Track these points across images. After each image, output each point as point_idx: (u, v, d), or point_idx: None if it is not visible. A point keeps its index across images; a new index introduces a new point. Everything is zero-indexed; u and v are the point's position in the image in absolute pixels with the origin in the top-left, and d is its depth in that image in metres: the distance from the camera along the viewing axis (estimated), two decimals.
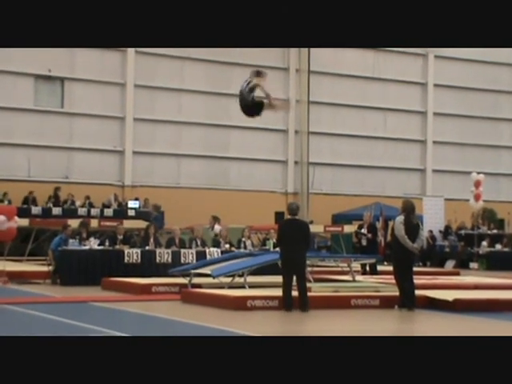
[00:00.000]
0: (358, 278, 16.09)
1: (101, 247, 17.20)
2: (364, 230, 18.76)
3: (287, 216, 12.76)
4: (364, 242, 18.61)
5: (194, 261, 16.65)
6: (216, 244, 18.25)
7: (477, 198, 27.29)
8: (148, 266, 16.62)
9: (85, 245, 16.94)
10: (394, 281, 13.32)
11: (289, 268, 12.19)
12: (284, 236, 12.30)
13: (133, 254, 16.73)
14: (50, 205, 25.97)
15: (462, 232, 29.05)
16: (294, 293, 12.09)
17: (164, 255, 16.96)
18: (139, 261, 16.68)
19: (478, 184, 27.28)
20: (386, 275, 15.35)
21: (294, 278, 12.11)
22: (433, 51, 33.66)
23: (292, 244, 12.08)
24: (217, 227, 20.75)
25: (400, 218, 12.61)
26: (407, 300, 12.41)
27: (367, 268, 18.10)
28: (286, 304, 12.00)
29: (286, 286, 12.07)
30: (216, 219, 22.29)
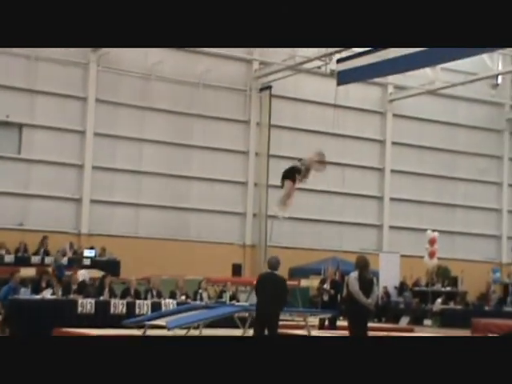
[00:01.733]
0: (314, 332, 16.02)
1: (53, 297, 16.90)
2: (326, 286, 18.73)
3: (266, 270, 12.65)
4: (325, 298, 18.57)
5: (149, 312, 16.45)
6: (172, 295, 18.08)
7: (431, 255, 27.55)
8: (102, 317, 16.36)
9: (38, 294, 16.64)
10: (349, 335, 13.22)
11: (261, 321, 12.08)
12: (260, 289, 12.25)
13: (86, 304, 16.47)
14: (2, 252, 25.50)
15: (417, 288, 29.27)
16: None
17: (118, 306, 16.73)
18: (93, 311, 16.41)
19: (432, 241, 27.57)
20: (344, 330, 15.28)
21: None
22: (391, 109, 34.30)
23: (267, 298, 12.01)
24: None
25: (354, 274, 12.65)
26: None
27: (326, 322, 18.07)
28: None
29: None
30: None
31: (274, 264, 12.50)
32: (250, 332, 15.20)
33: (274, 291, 12.09)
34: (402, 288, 28.99)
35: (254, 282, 12.70)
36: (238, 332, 14.65)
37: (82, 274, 16.79)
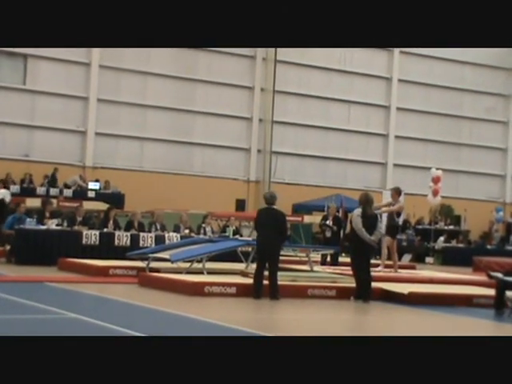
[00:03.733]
0: (316, 268, 16.13)
1: (59, 227, 17.00)
2: (329, 222, 18.80)
3: (263, 205, 12.76)
4: (328, 234, 18.65)
5: (153, 245, 16.56)
6: (176, 229, 18.17)
7: (435, 193, 27.51)
8: (106, 249, 16.48)
9: (44, 224, 16.73)
10: (351, 272, 13.39)
11: (263, 256, 12.23)
12: (259, 224, 12.37)
13: (91, 236, 16.58)
14: (7, 182, 25.58)
15: (420, 227, 29.39)
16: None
17: (123, 238, 16.83)
18: (97, 243, 16.53)
19: (436, 180, 27.49)
20: (346, 266, 15.41)
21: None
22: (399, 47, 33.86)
23: (267, 232, 12.11)
24: None
25: (357, 211, 12.73)
26: (363, 292, 12.49)
27: (328, 259, 18.17)
28: (256, 291, 11.96)
29: (258, 274, 12.07)
30: None
31: (269, 199, 12.56)
32: (253, 266, 15.37)
33: (273, 225, 12.15)
34: (405, 226, 29.09)
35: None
36: (241, 266, 14.77)
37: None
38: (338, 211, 19.07)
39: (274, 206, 12.60)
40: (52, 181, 26.30)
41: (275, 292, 12.01)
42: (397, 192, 15.68)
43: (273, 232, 12.12)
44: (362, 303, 12.36)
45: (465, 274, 18.48)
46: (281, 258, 19.08)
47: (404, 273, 16.90)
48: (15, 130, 27.53)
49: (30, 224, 16.61)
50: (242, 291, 12.16)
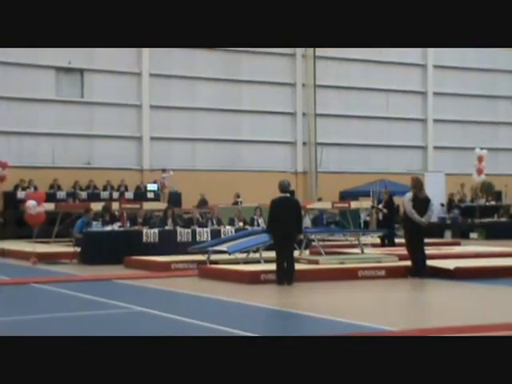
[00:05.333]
0: (367, 250, 16.07)
1: (122, 229, 17.28)
2: (381, 206, 18.96)
3: (279, 194, 12.46)
4: (380, 217, 18.80)
5: (209, 239, 16.68)
6: (231, 222, 18.30)
7: (479, 172, 27.30)
8: (166, 245, 16.67)
9: (111, 225, 17.04)
10: (399, 252, 13.33)
11: (281, 244, 12.01)
12: (276, 213, 12.01)
13: (151, 234, 16.80)
14: (75, 189, 26.16)
15: (463, 205, 29.02)
16: None
17: (184, 234, 17.01)
18: (157, 240, 16.73)
19: (480, 159, 27.30)
20: (402, 247, 15.25)
21: None
22: None
23: (284, 221, 11.84)
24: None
25: (409, 195, 12.76)
26: (419, 269, 12.50)
27: (386, 241, 18.28)
28: (281, 278, 11.86)
29: (280, 262, 11.93)
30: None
31: (286, 186, 12.32)
32: (306, 252, 15.40)
33: (289, 213, 11.90)
34: (450, 205, 28.76)
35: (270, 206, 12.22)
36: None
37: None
38: (390, 196, 19.06)
39: (288, 195, 12.42)
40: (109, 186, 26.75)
41: (291, 278, 11.83)
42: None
43: (290, 220, 11.85)
44: (418, 280, 12.33)
45: (508, 247, 18.20)
46: (333, 242, 19.27)
47: (448, 249, 16.74)
48: (76, 141, 28.05)
49: (96, 227, 16.93)
50: (297, 277, 12.13)
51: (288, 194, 12.44)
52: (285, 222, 11.87)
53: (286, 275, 11.85)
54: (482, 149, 27.85)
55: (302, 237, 14.43)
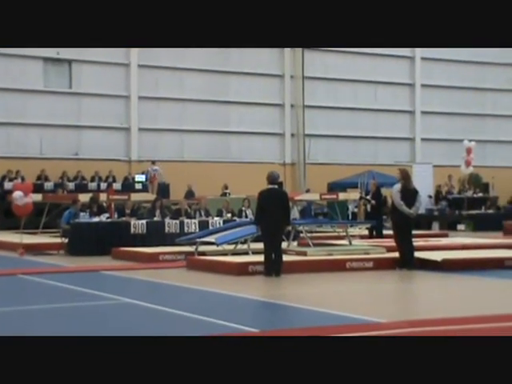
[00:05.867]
0: (355, 242, 16.05)
1: (109, 220, 17.17)
2: (369, 197, 18.91)
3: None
4: (368, 208, 18.76)
5: (197, 230, 16.61)
6: (219, 213, 18.23)
7: (468, 163, 27.37)
8: (154, 236, 16.58)
9: (99, 216, 16.93)
10: (387, 243, 13.29)
11: (269, 235, 11.93)
12: (264, 205, 11.92)
13: (139, 225, 16.69)
14: (63, 180, 25.98)
15: (450, 196, 29.09)
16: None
17: (172, 225, 16.91)
18: (145, 231, 16.64)
19: (469, 151, 27.36)
20: (390, 238, 15.24)
21: None
22: None
23: (272, 213, 11.76)
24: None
25: (397, 187, 12.74)
26: (407, 261, 12.50)
27: (374, 233, 18.26)
28: (268, 270, 11.79)
29: (268, 252, 11.86)
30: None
31: (276, 178, 12.26)
32: (294, 244, 15.35)
33: (277, 205, 11.83)
34: (438, 197, 28.81)
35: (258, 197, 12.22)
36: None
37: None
38: (378, 187, 18.99)
39: (276, 186, 12.33)
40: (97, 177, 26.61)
41: (280, 268, 11.79)
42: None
43: (278, 212, 11.78)
44: (406, 271, 12.32)
45: (495, 239, 18.24)
46: (321, 234, 19.23)
47: (436, 240, 16.74)
48: (65, 131, 27.85)
49: (84, 218, 16.81)
50: (284, 268, 12.06)
51: (276, 186, 12.36)
52: (272, 213, 11.77)
53: (274, 266, 11.80)
54: (470, 141, 27.92)
55: (290, 228, 14.38)
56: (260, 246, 14.16)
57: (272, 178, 12.20)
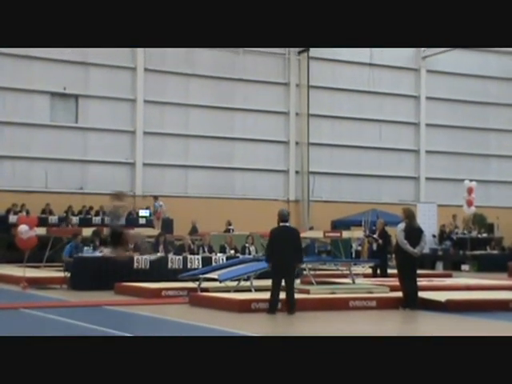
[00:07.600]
0: (359, 281, 15.99)
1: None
2: (376, 236, 18.82)
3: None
4: (374, 247, 18.65)
5: (200, 266, 16.57)
6: (222, 250, 18.21)
7: (469, 203, 27.26)
8: (157, 272, 16.54)
9: (101, 251, 16.91)
10: (391, 282, 13.22)
11: (279, 273, 11.89)
12: (276, 242, 11.95)
13: (142, 260, 16.67)
14: (68, 214, 26.02)
15: (454, 236, 29.00)
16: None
17: (175, 261, 16.90)
18: (148, 267, 16.61)
19: (470, 191, 27.29)
20: (394, 278, 15.18)
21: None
22: (425, 66, 33.71)
23: (283, 250, 11.77)
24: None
25: (401, 225, 12.71)
26: (410, 301, 12.45)
27: (378, 271, 18.14)
28: (272, 308, 11.76)
29: (275, 290, 11.83)
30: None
31: (285, 215, 12.23)
32: (297, 281, 15.28)
33: (289, 243, 11.84)
34: (442, 236, 28.74)
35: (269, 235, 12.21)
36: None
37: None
38: (373, 225, 18.92)
39: (287, 224, 12.34)
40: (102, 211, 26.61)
41: (293, 307, 11.78)
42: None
43: (289, 250, 11.79)
44: (409, 311, 12.26)
45: (500, 280, 18.15)
46: (324, 272, 19.16)
47: (440, 281, 16.66)
48: (70, 165, 28.00)
49: (87, 252, 16.81)
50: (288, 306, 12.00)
51: (288, 224, 12.37)
52: (284, 252, 11.79)
53: (287, 305, 11.79)
54: (471, 181, 27.90)
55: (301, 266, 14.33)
56: (263, 283, 14.14)
57: (283, 216, 12.22)
